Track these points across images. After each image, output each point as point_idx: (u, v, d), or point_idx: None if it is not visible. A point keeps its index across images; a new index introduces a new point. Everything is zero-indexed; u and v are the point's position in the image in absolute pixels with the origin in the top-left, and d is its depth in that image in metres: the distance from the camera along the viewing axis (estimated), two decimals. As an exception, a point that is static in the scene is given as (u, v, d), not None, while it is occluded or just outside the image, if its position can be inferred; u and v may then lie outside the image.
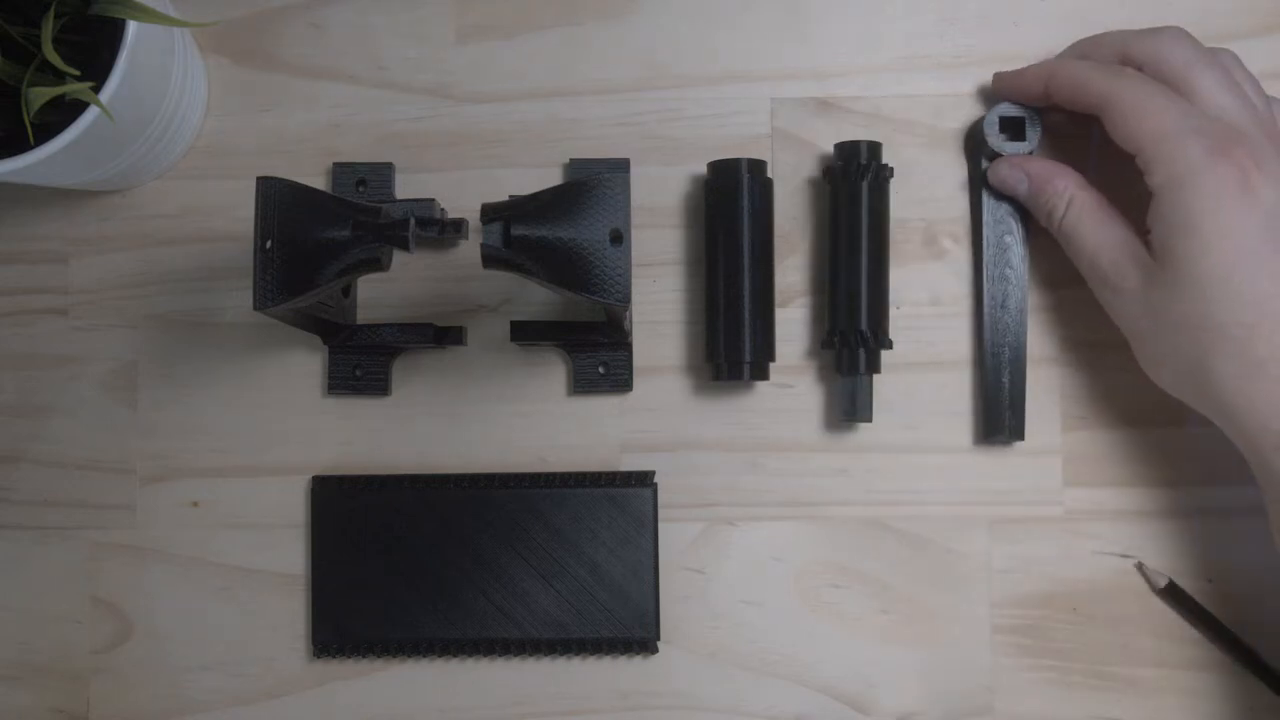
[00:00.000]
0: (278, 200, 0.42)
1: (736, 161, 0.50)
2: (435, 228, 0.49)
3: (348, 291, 0.52)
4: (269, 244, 0.42)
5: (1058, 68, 0.48)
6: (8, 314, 0.53)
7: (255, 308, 0.42)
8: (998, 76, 0.50)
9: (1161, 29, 0.47)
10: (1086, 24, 0.52)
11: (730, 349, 0.49)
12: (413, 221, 0.42)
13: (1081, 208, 0.47)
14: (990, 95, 0.51)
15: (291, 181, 0.43)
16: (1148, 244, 0.45)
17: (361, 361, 0.51)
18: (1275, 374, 0.42)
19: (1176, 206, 0.43)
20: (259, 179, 0.42)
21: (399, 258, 0.51)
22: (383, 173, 0.52)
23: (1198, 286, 0.43)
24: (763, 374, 0.50)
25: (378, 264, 0.42)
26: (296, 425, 0.52)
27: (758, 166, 0.50)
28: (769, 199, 0.50)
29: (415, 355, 0.52)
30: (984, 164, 0.51)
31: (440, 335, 0.51)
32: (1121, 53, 0.47)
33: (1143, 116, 0.44)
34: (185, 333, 0.52)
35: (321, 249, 0.42)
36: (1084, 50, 0.49)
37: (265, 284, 0.42)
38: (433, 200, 0.51)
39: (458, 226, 0.50)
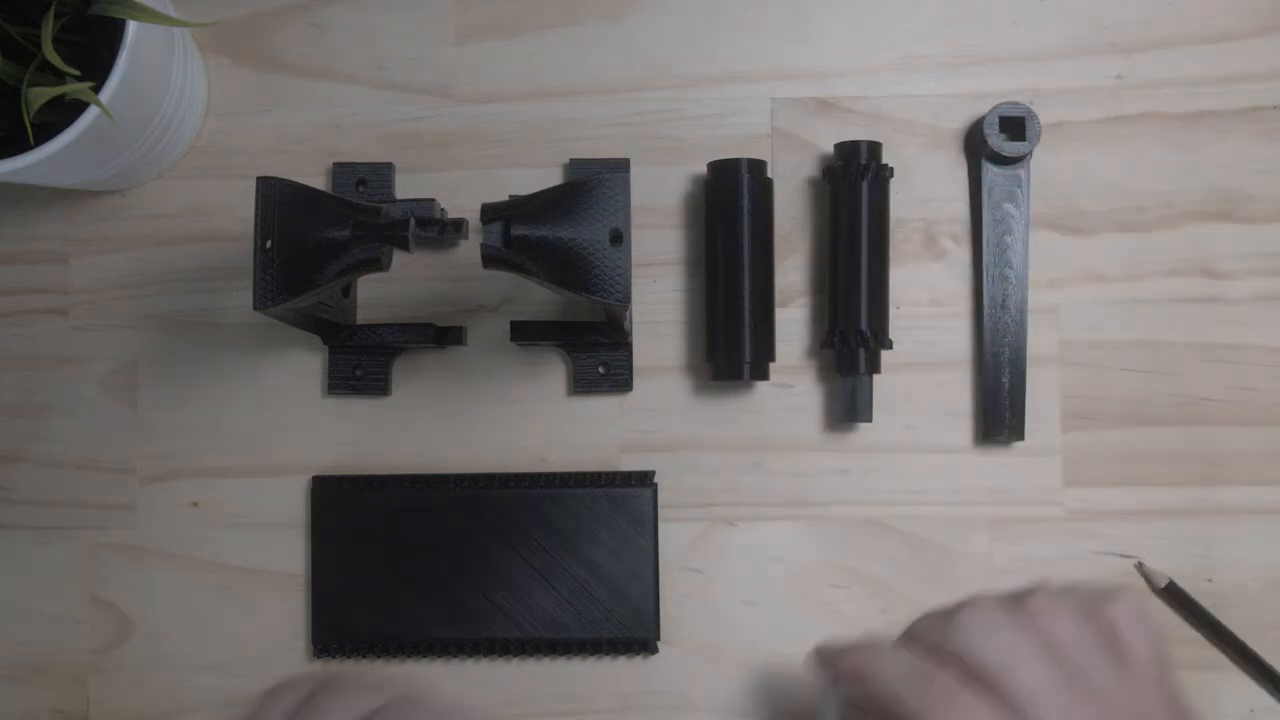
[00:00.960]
0: (278, 200, 0.42)
1: (736, 161, 0.50)
2: (435, 228, 0.49)
3: (348, 291, 0.52)
4: (269, 244, 0.42)
5: (868, 664, 0.42)
6: (8, 314, 0.53)
7: (255, 308, 0.42)
8: (817, 649, 0.44)
9: (967, 615, 0.41)
10: (1086, 24, 0.52)
11: (730, 349, 0.49)
12: (413, 221, 0.42)
13: None
14: (988, 94, 0.51)
15: (291, 181, 0.43)
16: None
17: (361, 361, 0.51)
18: None
19: None
20: (259, 179, 0.42)
21: (399, 258, 0.51)
22: (383, 173, 0.52)
23: None
24: (763, 374, 0.50)
25: (378, 264, 0.42)
26: (296, 425, 0.52)
27: (758, 166, 0.50)
28: (769, 199, 0.50)
29: (415, 355, 0.52)
30: (984, 164, 0.51)
31: (440, 335, 0.51)
32: (930, 642, 0.41)
33: None
34: (185, 333, 0.52)
35: (321, 249, 0.42)
36: (910, 633, 0.43)
37: (265, 284, 0.42)
38: (433, 200, 0.51)
39: (458, 226, 0.50)
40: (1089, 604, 0.41)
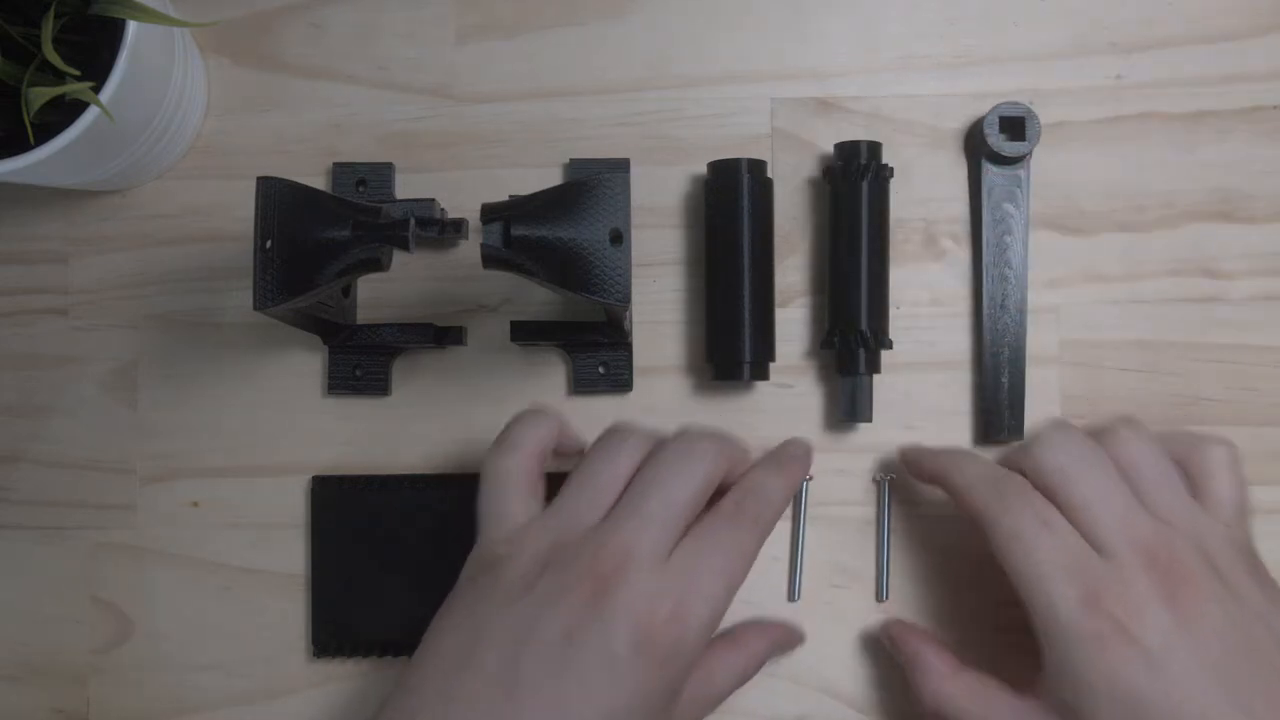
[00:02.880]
0: (278, 200, 0.42)
1: (736, 161, 0.50)
2: (435, 228, 0.49)
3: (348, 291, 0.52)
4: (269, 244, 0.42)
5: (949, 466, 0.45)
6: (8, 314, 0.53)
7: (255, 308, 0.42)
8: (904, 450, 0.50)
9: (1044, 432, 0.44)
10: (1086, 24, 0.52)
11: (730, 349, 0.49)
12: (413, 221, 0.42)
13: (962, 699, 0.43)
14: (988, 94, 0.51)
15: (291, 181, 0.43)
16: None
17: (361, 361, 0.51)
18: None
19: (1062, 668, 0.40)
20: (259, 179, 0.42)
21: (399, 258, 0.51)
22: (383, 173, 0.52)
23: None
24: (763, 374, 0.50)
25: (378, 264, 0.42)
26: (296, 425, 0.52)
27: (758, 166, 0.50)
28: (769, 199, 0.50)
29: (415, 355, 0.52)
30: (984, 164, 0.51)
31: (440, 335, 0.51)
32: (1011, 460, 0.45)
33: (1011, 552, 0.41)
34: (185, 333, 0.52)
35: (321, 249, 0.42)
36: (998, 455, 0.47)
37: (265, 284, 0.42)
38: (433, 200, 0.51)
39: (458, 226, 0.50)
40: (1182, 442, 0.44)
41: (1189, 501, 0.43)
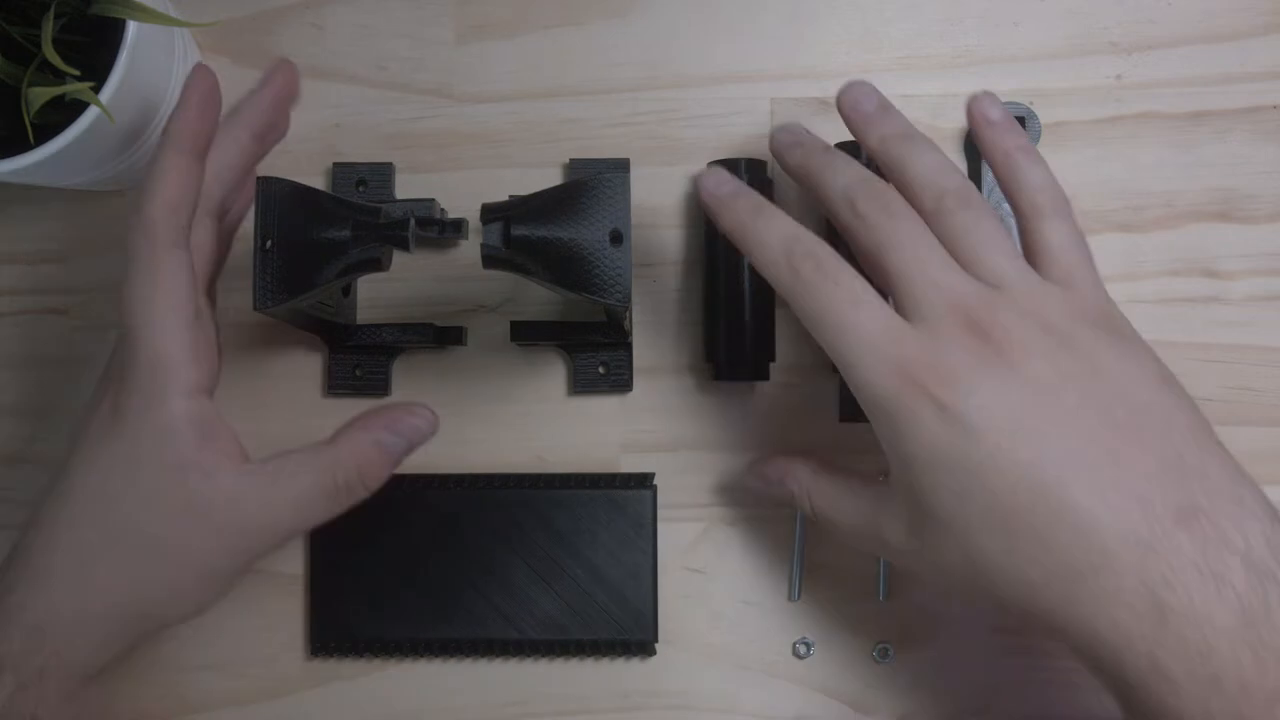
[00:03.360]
0: (278, 200, 0.42)
1: (735, 161, 0.50)
2: (435, 228, 0.49)
3: (348, 291, 0.52)
4: (269, 244, 0.42)
5: (744, 233, 0.41)
6: (8, 314, 0.53)
7: (256, 308, 0.42)
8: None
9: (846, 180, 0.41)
10: (1086, 24, 0.52)
11: (730, 349, 0.49)
12: (413, 221, 0.42)
13: (820, 497, 0.44)
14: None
15: (292, 181, 0.43)
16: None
17: (362, 361, 0.51)
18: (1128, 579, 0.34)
19: (889, 446, 0.38)
20: (259, 179, 0.42)
21: (399, 258, 0.51)
22: (383, 172, 0.52)
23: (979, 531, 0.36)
24: (763, 374, 0.50)
25: (378, 264, 0.42)
26: (296, 425, 0.52)
27: (757, 166, 0.50)
28: (769, 198, 0.50)
29: (415, 355, 0.52)
30: (984, 164, 0.51)
31: (440, 335, 0.51)
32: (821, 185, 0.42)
33: (823, 335, 0.39)
34: (185, 333, 0.52)
35: (321, 249, 0.42)
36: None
37: (265, 284, 0.42)
38: (433, 200, 0.51)
39: (458, 226, 0.50)
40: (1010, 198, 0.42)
41: (1020, 264, 0.39)
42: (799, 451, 0.47)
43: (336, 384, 0.51)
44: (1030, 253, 0.41)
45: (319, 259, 0.42)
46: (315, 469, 0.40)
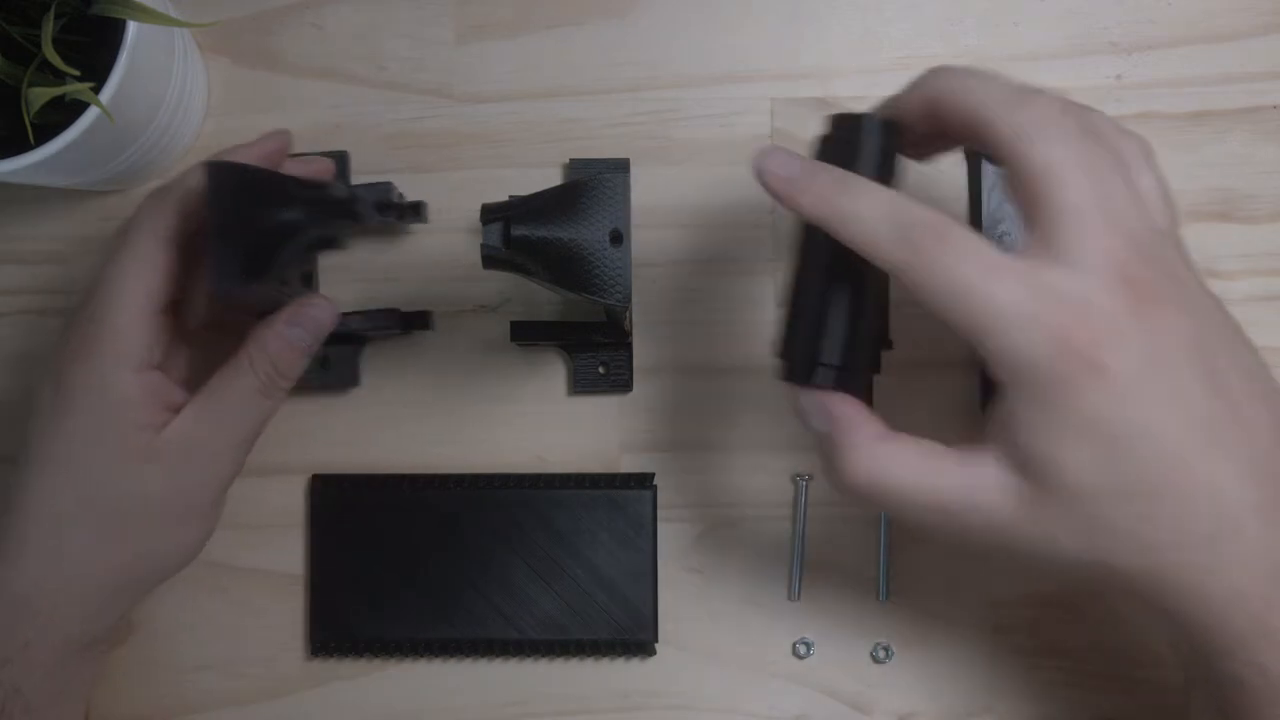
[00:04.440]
0: (228, 184, 0.41)
1: (856, 117, 0.41)
2: (393, 211, 0.49)
3: (310, 279, 0.51)
4: (224, 228, 0.41)
5: (836, 210, 0.37)
6: (8, 314, 0.53)
7: (214, 295, 0.41)
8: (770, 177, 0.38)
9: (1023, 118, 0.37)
10: (1086, 24, 0.52)
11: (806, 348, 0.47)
12: (360, 194, 0.42)
13: (891, 461, 0.37)
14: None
15: (240, 164, 0.42)
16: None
17: (330, 352, 0.51)
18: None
19: (1023, 416, 0.35)
20: (206, 163, 0.41)
21: (399, 257, 0.51)
22: (339, 161, 0.51)
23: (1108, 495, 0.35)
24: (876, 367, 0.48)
25: (334, 242, 0.43)
26: (296, 425, 0.52)
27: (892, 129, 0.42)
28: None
29: (415, 355, 0.52)
30: (984, 164, 0.51)
31: (407, 321, 0.50)
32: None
33: (955, 309, 0.35)
34: (185, 333, 0.52)
35: (276, 231, 0.42)
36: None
37: (222, 268, 0.40)
38: (389, 184, 0.51)
39: (416, 209, 0.50)
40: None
41: (1138, 197, 0.37)
42: (845, 399, 0.39)
43: (304, 377, 0.48)
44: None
45: (275, 241, 0.42)
46: (239, 374, 0.43)
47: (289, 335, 0.44)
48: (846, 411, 0.38)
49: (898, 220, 0.36)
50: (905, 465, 0.37)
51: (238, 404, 0.43)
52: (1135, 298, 0.34)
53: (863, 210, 0.36)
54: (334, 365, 0.51)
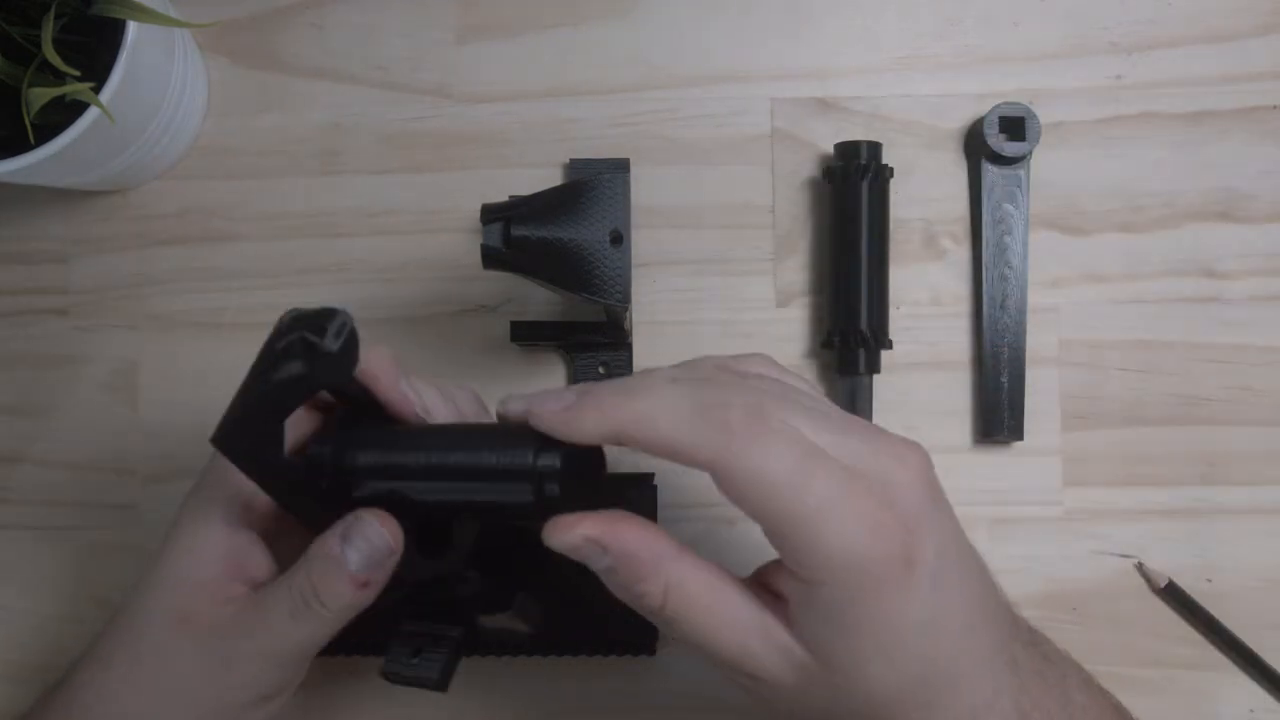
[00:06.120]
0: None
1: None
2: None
3: None
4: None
5: (632, 416, 0.34)
6: (8, 314, 0.53)
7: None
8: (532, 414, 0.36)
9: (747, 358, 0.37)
10: (1086, 24, 0.52)
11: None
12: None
13: (685, 597, 0.35)
14: (988, 94, 0.51)
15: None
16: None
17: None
18: None
19: (831, 608, 0.33)
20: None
21: (399, 257, 0.51)
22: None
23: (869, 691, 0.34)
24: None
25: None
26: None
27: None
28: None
29: (415, 354, 0.52)
30: (984, 164, 0.51)
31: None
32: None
33: (773, 498, 0.33)
34: (185, 333, 0.52)
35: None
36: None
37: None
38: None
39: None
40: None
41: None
42: (647, 523, 0.36)
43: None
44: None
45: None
46: (279, 586, 0.38)
47: (336, 554, 0.36)
48: (638, 538, 0.35)
49: (700, 400, 0.33)
50: (710, 600, 0.35)
51: (269, 620, 0.38)
52: (929, 489, 0.34)
53: (655, 404, 0.33)
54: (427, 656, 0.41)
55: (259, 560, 0.39)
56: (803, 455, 0.32)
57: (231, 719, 0.39)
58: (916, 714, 0.34)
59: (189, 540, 0.39)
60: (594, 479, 0.37)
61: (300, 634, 0.38)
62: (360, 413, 0.38)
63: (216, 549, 0.39)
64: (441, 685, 0.39)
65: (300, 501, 0.37)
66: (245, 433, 0.35)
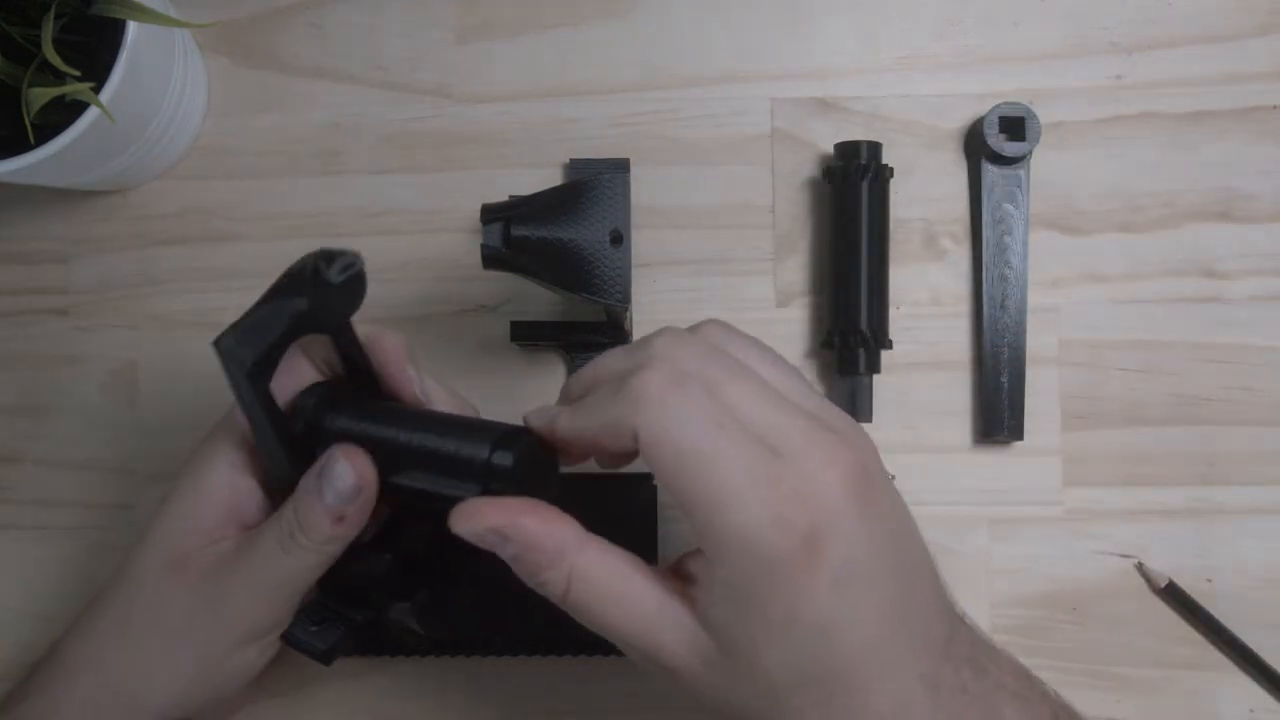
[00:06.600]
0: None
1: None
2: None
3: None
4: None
5: (576, 425, 0.35)
6: (8, 314, 0.53)
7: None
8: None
9: (699, 327, 0.36)
10: (1086, 24, 0.52)
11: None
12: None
13: (589, 586, 0.35)
14: (988, 94, 0.51)
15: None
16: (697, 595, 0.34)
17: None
18: None
19: (735, 594, 0.33)
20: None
21: (399, 257, 0.51)
22: None
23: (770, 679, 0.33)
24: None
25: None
26: (296, 425, 0.52)
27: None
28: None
29: (415, 355, 0.52)
30: (984, 164, 0.51)
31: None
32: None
33: (682, 472, 0.32)
34: (185, 333, 0.52)
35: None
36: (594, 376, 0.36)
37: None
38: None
39: None
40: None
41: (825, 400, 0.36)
42: (553, 512, 0.36)
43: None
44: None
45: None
46: (275, 522, 0.39)
47: (313, 488, 0.38)
48: (531, 538, 0.35)
49: (615, 383, 0.34)
50: (609, 585, 0.35)
51: (260, 551, 0.39)
52: (852, 482, 0.33)
53: (641, 385, 0.33)
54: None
55: (256, 507, 0.41)
56: (715, 426, 0.32)
57: (221, 663, 0.41)
58: (813, 712, 0.33)
59: (193, 483, 0.41)
60: (544, 481, 0.38)
61: (287, 565, 0.39)
62: (368, 391, 0.40)
63: (220, 493, 0.40)
64: (326, 658, 0.41)
65: (268, 437, 0.38)
66: (242, 341, 0.37)
